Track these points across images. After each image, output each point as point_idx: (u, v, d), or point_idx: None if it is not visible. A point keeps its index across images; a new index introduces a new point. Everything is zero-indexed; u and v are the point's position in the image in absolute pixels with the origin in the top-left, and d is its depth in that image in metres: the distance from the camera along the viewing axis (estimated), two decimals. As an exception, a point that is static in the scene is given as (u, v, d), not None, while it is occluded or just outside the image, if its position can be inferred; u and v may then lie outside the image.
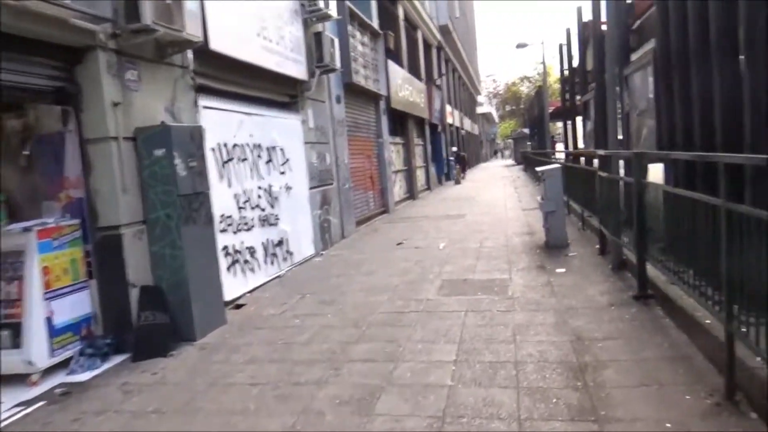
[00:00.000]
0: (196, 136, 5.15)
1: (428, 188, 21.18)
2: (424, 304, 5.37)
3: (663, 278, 4.61)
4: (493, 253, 7.56)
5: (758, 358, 2.76)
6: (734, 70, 3.95)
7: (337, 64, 9.20)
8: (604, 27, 10.03)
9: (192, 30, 5.05)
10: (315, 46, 8.62)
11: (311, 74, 8.51)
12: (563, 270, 6.23)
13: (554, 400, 3.19)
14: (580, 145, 12.52)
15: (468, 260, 7.24)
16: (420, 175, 19.97)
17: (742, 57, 3.91)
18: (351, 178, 10.85)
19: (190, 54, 5.57)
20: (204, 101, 5.90)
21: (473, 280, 6.18)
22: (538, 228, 8.78)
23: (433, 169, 22.64)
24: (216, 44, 5.76)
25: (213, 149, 6.02)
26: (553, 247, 7.44)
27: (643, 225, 4.72)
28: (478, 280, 6.13)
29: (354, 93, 11.53)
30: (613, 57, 6.43)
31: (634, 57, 7.30)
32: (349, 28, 10.75)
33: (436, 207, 14.85)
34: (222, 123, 6.27)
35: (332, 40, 8.90)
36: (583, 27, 10.96)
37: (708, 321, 3.55)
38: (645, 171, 4.75)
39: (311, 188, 8.62)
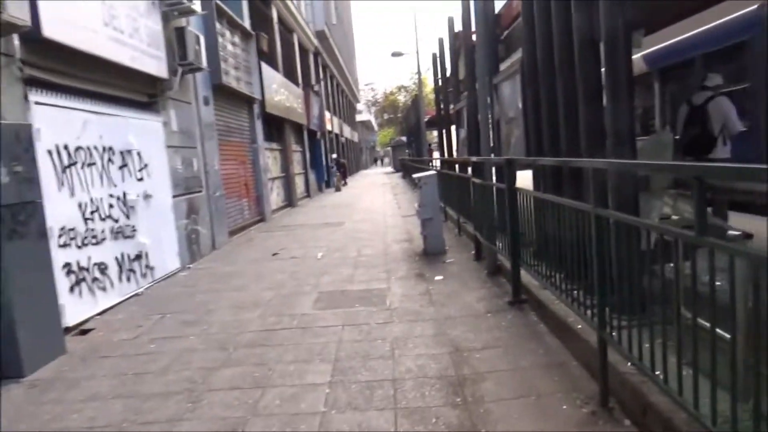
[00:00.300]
0: (23, 135, 4.36)
1: (308, 195, 20.76)
2: (299, 320, 5.00)
3: (536, 283, 4.67)
4: (371, 262, 7.37)
5: (629, 363, 2.75)
6: (596, 78, 4.05)
7: (204, 62, 8.56)
8: (474, 37, 10.34)
9: (16, 12, 4.29)
10: (177, 42, 7.92)
11: (173, 72, 7.80)
12: (441, 277, 6.17)
13: (433, 420, 2.99)
14: (455, 152, 12.83)
15: (346, 270, 6.98)
16: (299, 182, 19.50)
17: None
18: (223, 186, 10.17)
19: (16, 40, 4.75)
20: (37, 96, 5.07)
21: (351, 291, 5.92)
22: (417, 235, 8.76)
23: (312, 176, 22.26)
24: (51, 31, 4.97)
25: (50, 152, 5.20)
26: (431, 254, 7.42)
27: (516, 231, 4.75)
28: (356, 291, 5.88)
29: (225, 95, 10.86)
30: (483, 66, 6.53)
31: (503, 67, 7.51)
32: (218, 26, 10.10)
33: (316, 214, 14.51)
34: (62, 122, 5.45)
35: (197, 37, 8.26)
36: (454, 37, 11.24)
37: (579, 326, 3.57)
38: (515, 177, 4.79)
39: (175, 196, 7.88)
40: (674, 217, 2.96)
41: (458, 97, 11.41)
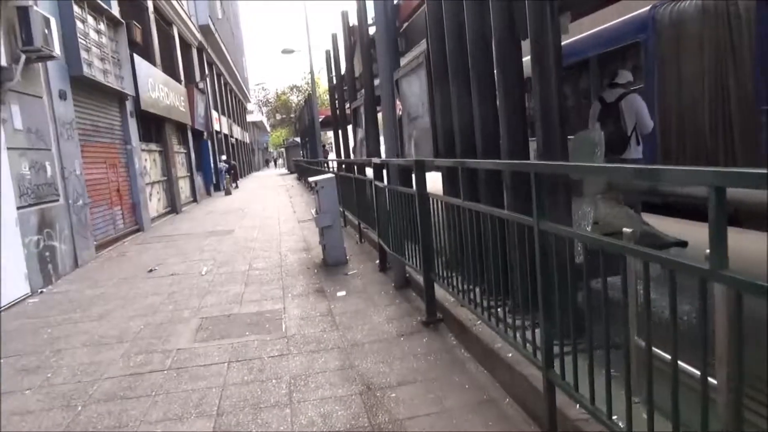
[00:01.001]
0: None
1: (195, 200, 19.23)
2: (174, 358, 4.10)
3: (452, 299, 4.16)
4: (265, 277, 6.54)
5: (577, 405, 2.25)
6: (518, 71, 3.59)
7: (57, 50, 7.24)
8: (371, 29, 9.80)
9: None
10: (20, 24, 6.58)
11: (14, 59, 6.46)
12: (344, 293, 5.50)
13: (346, 498, 2.31)
14: (352, 153, 12.23)
15: (235, 287, 6.10)
16: (184, 186, 17.97)
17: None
18: (88, 193, 8.80)
19: None
20: None
21: (240, 314, 5.07)
22: (315, 242, 8.04)
23: (199, 179, 20.72)
24: None
25: None
26: (331, 266, 6.72)
27: (429, 242, 4.20)
28: (246, 315, 5.04)
29: (88, 89, 9.43)
30: (385, 60, 5.97)
31: (404, 61, 7.00)
32: (76, 9, 8.70)
33: (202, 222, 13.26)
34: None
35: (47, 20, 6.93)
36: (349, 32, 10.63)
37: (510, 354, 3.06)
38: (425, 181, 4.24)
39: (21, 207, 6.54)
40: (626, 230, 2.51)
41: (355, 95, 10.82)
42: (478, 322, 3.62)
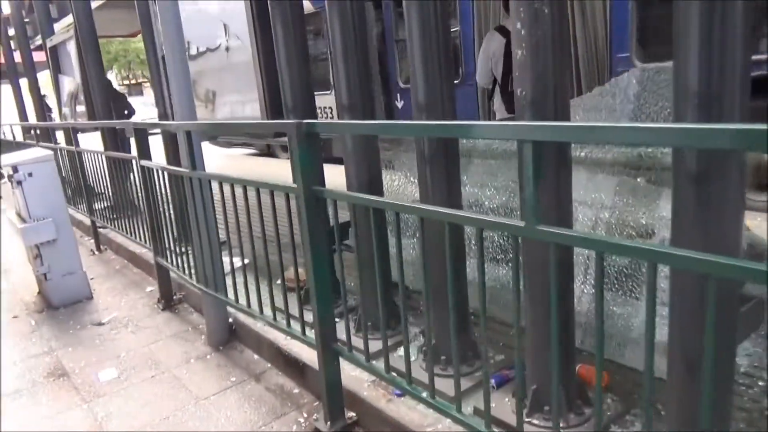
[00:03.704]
0: None
1: None
2: None
3: (366, 377, 2.30)
4: None
5: None
6: None
7: None
8: None
9: None
10: None
11: None
12: (114, 374, 2.97)
13: None
14: (58, 115, 8.58)
15: None
16: None
17: None
18: None
19: None
20: None
21: None
22: (17, 257, 4.93)
23: None
24: None
25: None
26: (63, 308, 3.94)
27: (327, 297, 2.18)
28: None
29: None
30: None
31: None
32: None
33: None
34: None
35: None
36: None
37: None
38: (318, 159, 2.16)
39: None
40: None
41: (51, 28, 7.37)
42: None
